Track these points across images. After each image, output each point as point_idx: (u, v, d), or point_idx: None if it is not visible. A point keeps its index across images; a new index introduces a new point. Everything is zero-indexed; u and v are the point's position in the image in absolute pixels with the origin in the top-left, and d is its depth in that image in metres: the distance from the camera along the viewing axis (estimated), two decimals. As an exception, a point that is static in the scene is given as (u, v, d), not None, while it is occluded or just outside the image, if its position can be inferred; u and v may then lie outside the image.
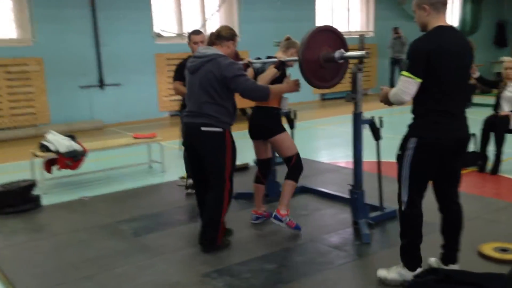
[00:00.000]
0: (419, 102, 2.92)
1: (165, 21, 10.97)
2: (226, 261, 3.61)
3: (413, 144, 2.92)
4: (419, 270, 3.05)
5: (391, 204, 4.08)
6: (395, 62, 13.72)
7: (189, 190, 5.09)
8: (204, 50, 3.68)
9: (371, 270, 3.31)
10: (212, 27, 11.77)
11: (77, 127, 9.50)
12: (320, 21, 13.34)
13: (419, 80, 2.81)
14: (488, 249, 3.56)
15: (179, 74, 4.78)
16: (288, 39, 4.21)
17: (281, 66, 3.97)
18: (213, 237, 3.75)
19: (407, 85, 2.83)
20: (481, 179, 5.69)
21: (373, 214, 4.22)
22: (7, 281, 3.40)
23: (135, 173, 6.23)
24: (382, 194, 4.28)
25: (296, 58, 3.83)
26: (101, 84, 10.11)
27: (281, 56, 4.10)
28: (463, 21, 16.44)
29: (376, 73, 14.54)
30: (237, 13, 11.89)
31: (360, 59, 3.78)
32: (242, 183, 5.08)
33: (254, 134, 4.17)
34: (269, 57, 4.18)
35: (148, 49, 10.59)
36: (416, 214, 3.04)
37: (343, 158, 6.50)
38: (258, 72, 4.12)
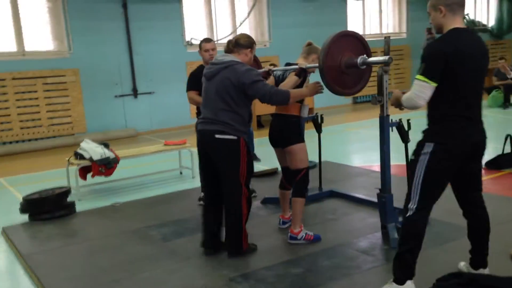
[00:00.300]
0: (435, 107, 2.84)
1: (196, 29, 11.12)
2: (252, 266, 3.62)
3: (429, 149, 2.81)
4: (409, 283, 2.91)
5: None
6: None
7: (201, 202, 4.97)
8: (222, 57, 3.68)
9: (399, 274, 3.25)
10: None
11: (112, 135, 9.75)
12: (352, 25, 13.25)
13: (434, 84, 2.73)
14: (521, 253, 3.43)
15: (192, 83, 4.80)
16: (309, 44, 4.13)
17: (302, 73, 3.87)
18: (237, 244, 3.76)
19: (422, 89, 2.75)
20: (517, 181, 5.51)
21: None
22: (40, 285, 3.52)
23: (166, 179, 6.33)
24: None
25: (317, 64, 3.77)
26: (135, 92, 10.34)
27: (302, 62, 4.01)
28: (499, 20, 16.00)
29: (410, 74, 14.29)
30: (268, 19, 11.94)
31: (384, 64, 3.70)
32: (271, 188, 5.09)
33: (273, 142, 4.12)
34: (289, 64, 4.12)
35: (180, 57, 10.77)
36: (422, 223, 2.90)
37: (375, 161, 6.41)
38: (279, 79, 4.06)
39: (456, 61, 2.70)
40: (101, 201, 5.56)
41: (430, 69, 2.74)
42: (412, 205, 2.90)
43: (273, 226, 4.38)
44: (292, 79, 3.85)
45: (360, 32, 13.97)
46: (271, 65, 5.17)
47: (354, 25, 13.36)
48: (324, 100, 10.22)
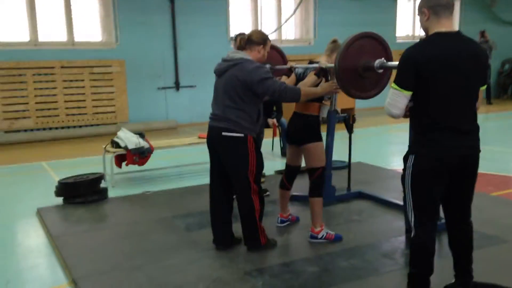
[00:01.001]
0: (416, 116, 2.70)
1: (241, 25, 11.19)
2: (269, 261, 3.64)
3: (411, 162, 2.69)
4: None
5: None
6: None
7: None
8: (232, 54, 3.64)
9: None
10: (287, 31, 11.89)
11: (153, 126, 9.98)
12: (401, 25, 12.96)
13: (407, 93, 2.59)
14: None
15: None
16: (334, 41, 4.03)
17: (322, 72, 3.77)
18: (254, 239, 3.77)
19: (395, 97, 2.62)
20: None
21: (428, 224, 4.04)
22: (64, 264, 3.66)
23: (198, 171, 6.42)
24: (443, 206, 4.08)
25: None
26: (177, 85, 10.53)
27: (324, 61, 3.94)
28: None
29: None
30: (314, 16, 11.86)
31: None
32: (298, 186, 5.06)
33: (290, 139, 4.08)
34: (311, 62, 4.06)
35: (223, 52, 10.63)
36: (425, 242, 2.73)
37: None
38: (300, 77, 4.01)
39: (429, 69, 2.53)
40: (133, 188, 5.71)
41: (402, 77, 2.60)
42: (412, 223, 2.77)
43: (295, 224, 4.37)
44: (311, 78, 3.79)
45: (410, 33, 13.76)
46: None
47: (403, 25, 13.07)
48: (366, 101, 10.06)
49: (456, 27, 13.70)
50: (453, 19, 14.09)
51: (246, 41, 3.66)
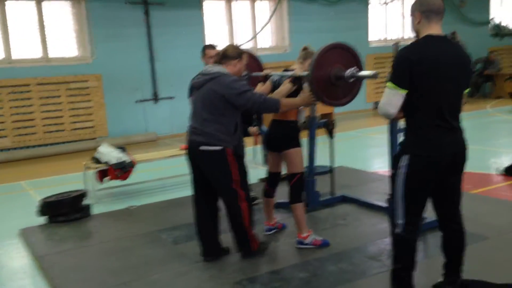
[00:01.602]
0: (409, 116, 2.78)
1: (216, 35, 11.22)
2: (259, 269, 3.65)
3: (406, 161, 2.75)
4: None
5: (432, 214, 3.95)
6: None
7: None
8: (210, 68, 3.70)
9: (404, 281, 3.22)
10: (262, 39, 11.97)
11: (133, 140, 9.91)
12: (373, 30, 13.16)
13: (403, 91, 2.68)
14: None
15: (192, 90, 4.83)
16: (305, 49, 4.07)
17: (296, 81, 3.84)
18: (245, 246, 3.80)
19: (391, 97, 2.70)
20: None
21: (412, 224, 4.11)
22: (51, 284, 3.61)
23: (181, 183, 6.39)
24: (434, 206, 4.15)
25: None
26: (155, 98, 10.50)
27: (298, 68, 4.01)
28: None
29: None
30: (288, 24, 11.97)
31: (371, 78, 3.67)
32: (283, 193, 5.09)
33: (270, 146, 4.12)
34: (286, 70, 4.11)
35: (201, 62, 10.77)
36: (410, 239, 2.84)
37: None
38: (275, 84, 4.06)
39: (421, 69, 2.63)
40: (117, 204, 5.66)
41: (397, 76, 2.69)
42: (398, 221, 2.84)
43: (282, 231, 4.40)
44: (286, 87, 3.85)
45: (382, 37, 13.98)
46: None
47: (376, 30, 13.28)
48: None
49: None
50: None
51: (222, 56, 3.71)
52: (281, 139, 3.98)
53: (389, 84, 2.71)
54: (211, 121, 3.59)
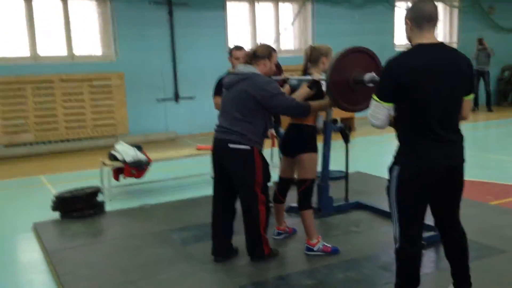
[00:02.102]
0: (399, 126, 2.70)
1: (239, 36, 11.22)
2: (265, 274, 3.61)
3: (396, 172, 2.67)
4: None
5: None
6: (479, 74, 12.92)
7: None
8: (242, 68, 3.70)
9: (414, 293, 3.13)
10: (286, 41, 11.92)
11: (153, 138, 9.98)
12: (399, 34, 12.97)
13: (387, 104, 2.61)
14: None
15: (218, 89, 4.77)
16: (312, 49, 3.96)
17: (314, 85, 3.78)
18: (258, 250, 3.77)
19: (376, 109, 2.65)
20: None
21: (427, 234, 4.00)
22: (59, 281, 3.63)
23: (196, 183, 6.40)
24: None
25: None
26: (176, 97, 10.55)
27: (314, 71, 3.93)
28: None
29: (459, 86, 13.83)
30: (312, 27, 11.88)
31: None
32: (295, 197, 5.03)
33: (285, 150, 4.07)
34: (304, 74, 4.03)
35: (222, 64, 10.75)
36: (410, 254, 2.75)
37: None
38: (294, 89, 4.00)
39: (410, 79, 2.54)
40: (131, 202, 5.69)
41: (381, 89, 2.64)
42: (396, 234, 2.77)
43: (292, 236, 4.34)
44: (304, 91, 3.80)
45: (409, 42, 13.70)
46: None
47: (401, 34, 13.08)
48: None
49: (455, 36, 13.80)
50: (451, 27, 14.03)
51: (252, 56, 3.72)
52: (296, 143, 3.93)
53: (374, 96, 2.67)
54: (241, 121, 3.59)
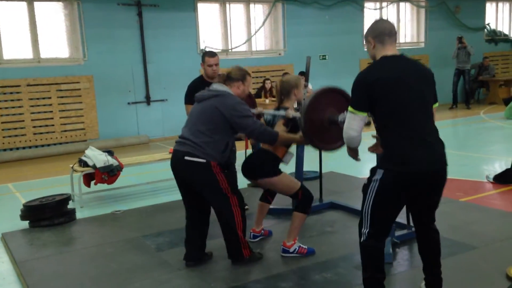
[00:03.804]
0: (381, 134, 2.79)
1: (210, 37, 11.16)
2: (242, 278, 3.58)
3: (379, 176, 2.73)
4: None
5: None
6: (459, 73, 13.11)
7: None
8: (217, 86, 3.72)
9: (389, 291, 3.16)
10: (257, 42, 11.92)
11: (124, 142, 9.84)
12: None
13: (362, 114, 2.72)
14: (518, 272, 3.30)
15: (190, 97, 4.66)
16: (281, 83, 4.01)
17: (290, 122, 3.83)
18: (237, 252, 3.76)
19: (350, 121, 2.76)
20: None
21: (399, 233, 4.06)
22: (29, 293, 3.53)
23: (170, 188, 6.31)
24: (409, 212, 4.10)
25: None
26: (148, 100, 10.42)
27: (289, 104, 3.97)
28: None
29: (428, 84, 14.08)
30: (283, 27, 11.92)
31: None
32: (278, 198, 5.03)
33: (245, 172, 3.92)
34: (278, 108, 4.01)
35: (194, 65, 10.72)
36: (375, 247, 2.82)
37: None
38: (268, 123, 4.01)
39: (380, 88, 2.67)
40: (103, 208, 5.58)
41: (355, 99, 2.75)
42: (364, 230, 2.83)
43: (268, 238, 4.33)
44: (280, 129, 3.82)
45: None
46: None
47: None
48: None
49: (422, 35, 14.05)
50: (418, 27, 14.25)
51: (226, 78, 3.76)
52: (258, 165, 3.86)
53: (349, 108, 2.77)
54: (203, 134, 3.58)
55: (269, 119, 4.08)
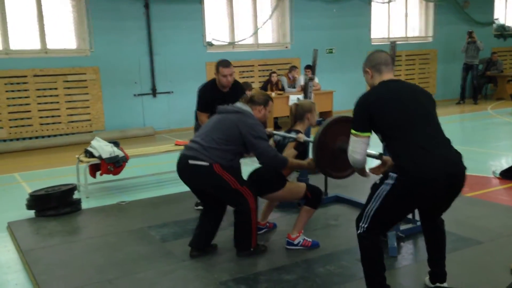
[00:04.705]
0: (389, 146, 2.81)
1: (217, 30, 11.14)
2: (246, 270, 3.58)
3: (392, 181, 2.70)
4: None
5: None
6: (467, 68, 13.02)
7: (198, 207, 4.85)
8: (241, 105, 3.80)
9: (393, 284, 3.16)
10: (264, 35, 11.87)
11: (130, 134, 9.85)
12: (376, 28, 13.04)
13: (366, 135, 2.77)
14: (522, 268, 3.29)
15: (204, 105, 4.67)
16: (296, 106, 4.06)
17: (301, 146, 3.88)
18: (246, 242, 3.79)
19: (354, 144, 2.81)
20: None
21: (404, 227, 4.05)
22: (34, 281, 3.55)
23: (175, 179, 6.25)
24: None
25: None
26: (154, 92, 10.42)
27: (300, 127, 4.01)
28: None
29: (435, 79, 14.01)
30: (290, 21, 11.86)
31: (374, 158, 3.39)
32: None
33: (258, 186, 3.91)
34: (289, 131, 4.03)
35: (200, 57, 10.79)
36: (372, 241, 2.84)
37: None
38: (278, 144, 4.06)
39: (380, 105, 2.75)
40: (109, 199, 5.60)
41: (358, 121, 2.81)
42: (363, 224, 2.86)
43: (272, 231, 4.33)
44: (291, 151, 3.86)
45: (385, 36, 13.86)
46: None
47: (378, 28, 13.16)
48: (345, 103, 10.10)
49: (430, 30, 13.95)
50: (427, 21, 14.14)
51: (249, 100, 3.84)
52: (262, 183, 3.89)
53: (352, 131, 2.83)
54: (214, 141, 3.63)
55: (279, 139, 4.12)
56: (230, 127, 3.65)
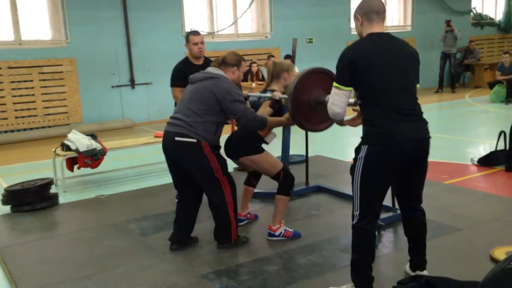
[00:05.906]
0: (364, 110, 2.79)
1: (196, 20, 11.00)
2: (227, 262, 3.55)
3: (363, 153, 2.73)
4: None
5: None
6: (445, 57, 13.12)
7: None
8: (212, 69, 3.68)
9: (374, 272, 3.15)
10: (244, 25, 11.78)
11: (108, 126, 9.71)
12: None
13: (348, 89, 2.73)
14: (501, 253, 3.33)
15: (177, 79, 4.60)
16: (273, 64, 4.01)
17: (276, 104, 3.82)
18: (225, 234, 3.75)
19: (335, 97, 2.77)
20: (507, 179, 5.39)
21: (384, 215, 4.07)
22: (10, 277, 3.47)
23: (154, 172, 6.26)
24: (394, 194, 4.10)
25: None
26: (132, 83, 10.27)
27: (276, 87, 3.94)
28: (507, 14, 15.79)
29: (414, 68, 14.10)
30: (269, 10, 11.79)
31: (351, 105, 3.35)
32: (260, 183, 4.99)
33: (227, 150, 3.89)
34: (265, 91, 3.99)
35: (179, 48, 10.56)
36: (366, 231, 2.82)
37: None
38: (254, 105, 3.99)
39: (364, 64, 2.68)
40: (87, 193, 5.50)
41: (340, 75, 2.75)
42: (356, 212, 2.83)
43: (254, 222, 4.31)
44: (266, 110, 3.80)
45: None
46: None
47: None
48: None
49: (409, 19, 14.02)
50: (405, 10, 14.21)
51: (221, 63, 3.71)
52: (239, 143, 3.84)
53: (334, 84, 2.77)
54: (195, 113, 3.53)
55: (254, 100, 4.05)
56: (206, 95, 3.53)
